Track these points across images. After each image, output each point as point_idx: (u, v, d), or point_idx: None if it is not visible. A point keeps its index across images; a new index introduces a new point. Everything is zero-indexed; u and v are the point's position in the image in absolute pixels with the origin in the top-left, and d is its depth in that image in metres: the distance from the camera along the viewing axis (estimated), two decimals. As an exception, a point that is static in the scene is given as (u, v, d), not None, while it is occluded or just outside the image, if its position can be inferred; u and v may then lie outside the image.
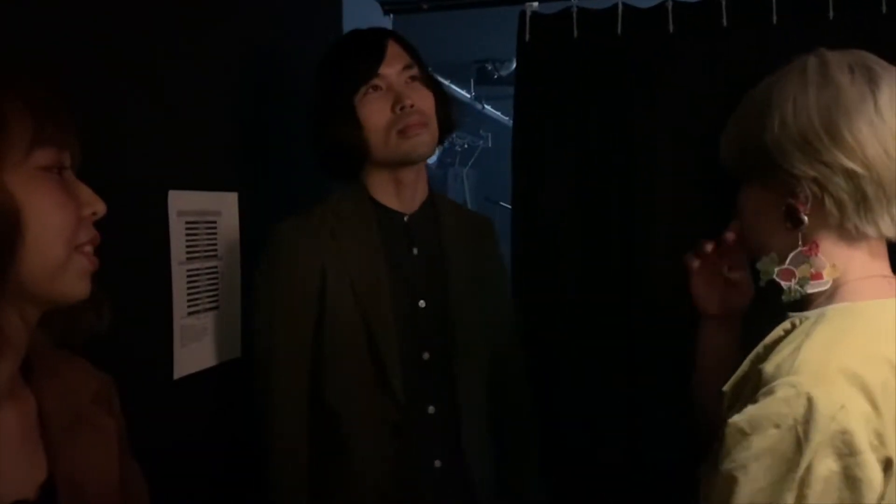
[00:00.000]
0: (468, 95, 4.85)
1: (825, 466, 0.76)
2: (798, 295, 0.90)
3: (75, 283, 0.76)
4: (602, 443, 1.89)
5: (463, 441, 1.42)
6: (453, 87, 4.50)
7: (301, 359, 1.37)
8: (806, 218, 0.88)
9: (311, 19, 1.78)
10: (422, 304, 1.42)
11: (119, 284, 0.91)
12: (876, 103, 0.85)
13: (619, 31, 1.84)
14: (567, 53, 1.89)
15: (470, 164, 5.50)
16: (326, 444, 1.38)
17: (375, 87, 1.37)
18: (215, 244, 1.49)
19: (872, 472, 0.76)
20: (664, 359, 1.73)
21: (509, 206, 2.07)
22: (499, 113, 5.40)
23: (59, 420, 0.80)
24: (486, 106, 5.20)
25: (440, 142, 1.46)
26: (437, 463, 1.41)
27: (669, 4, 1.81)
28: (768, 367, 0.83)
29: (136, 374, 1.12)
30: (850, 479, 0.75)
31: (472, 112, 5.13)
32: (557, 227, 1.91)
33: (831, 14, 1.69)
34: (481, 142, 5.60)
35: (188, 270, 1.41)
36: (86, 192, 0.78)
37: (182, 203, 1.39)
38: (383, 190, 1.42)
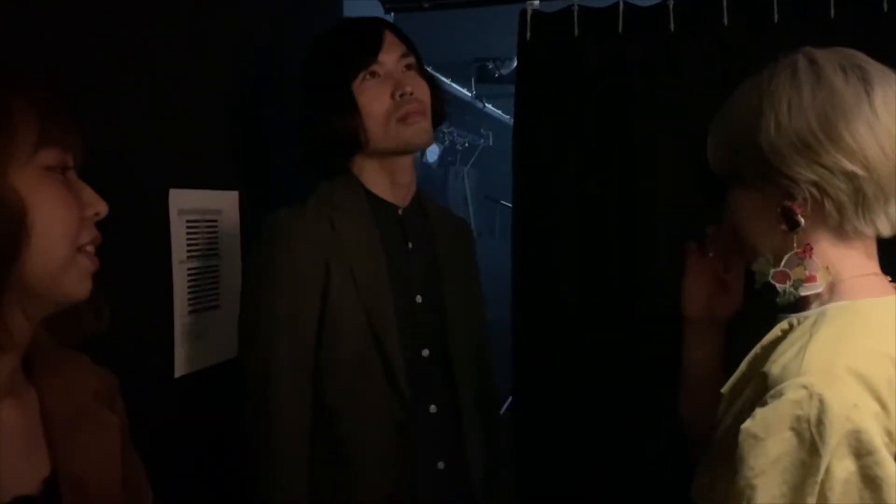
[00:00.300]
0: (469, 94, 4.85)
1: (843, 467, 0.75)
2: (792, 297, 0.90)
3: (77, 283, 0.77)
4: (602, 442, 1.89)
5: (465, 441, 1.40)
6: (454, 85, 4.50)
7: (305, 357, 1.31)
8: (803, 220, 0.87)
9: (312, 18, 1.78)
10: (419, 299, 1.39)
11: (120, 283, 0.91)
12: (871, 103, 0.85)
13: (619, 29, 1.84)
14: (568, 52, 1.89)
15: (471, 162, 5.50)
16: (326, 447, 1.32)
17: (374, 74, 1.35)
18: (216, 243, 1.49)
19: (890, 469, 0.75)
20: (664, 358, 1.73)
21: (510, 205, 2.07)
22: (499, 111, 5.39)
23: (61, 416, 0.80)
24: (486, 104, 5.20)
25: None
26: (441, 465, 1.38)
27: (671, 3, 1.81)
28: (774, 368, 0.82)
29: (137, 372, 1.12)
30: (869, 479, 0.75)
31: (472, 111, 5.13)
32: (558, 225, 1.92)
33: (832, 13, 1.70)
34: (482, 140, 5.60)
35: (189, 269, 1.42)
36: (88, 193, 0.79)
37: (183, 202, 1.39)
38: (377, 181, 1.38)
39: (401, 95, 1.33)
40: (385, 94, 1.34)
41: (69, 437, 0.80)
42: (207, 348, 1.46)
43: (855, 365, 0.78)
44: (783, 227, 0.88)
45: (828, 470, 0.75)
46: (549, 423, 1.94)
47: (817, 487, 0.75)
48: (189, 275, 1.41)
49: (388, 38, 1.37)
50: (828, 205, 0.86)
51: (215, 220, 1.49)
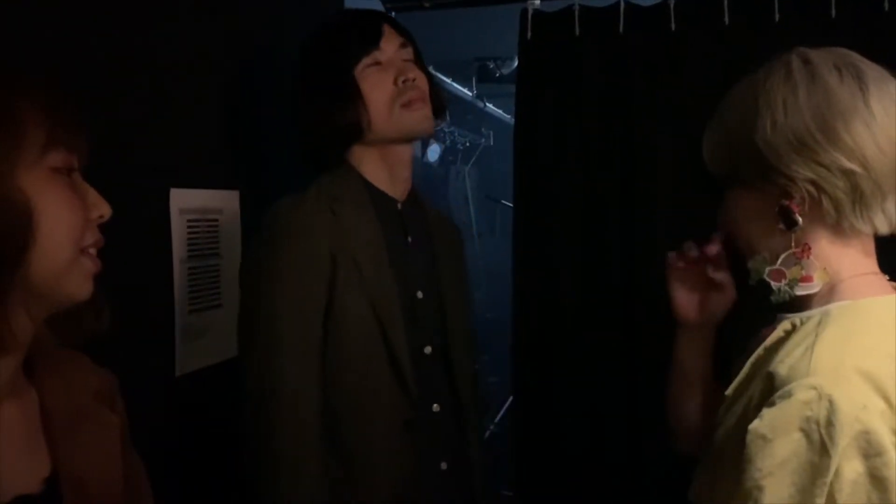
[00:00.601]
0: (470, 93, 4.84)
1: (851, 468, 0.75)
2: (787, 296, 0.90)
3: (80, 285, 0.77)
4: (602, 442, 1.89)
5: (467, 441, 1.40)
6: (455, 84, 4.50)
7: (314, 352, 1.25)
8: (801, 219, 0.87)
9: (313, 18, 1.78)
10: (420, 294, 1.36)
11: (121, 282, 0.91)
12: (867, 101, 0.85)
13: (620, 29, 1.85)
14: (569, 52, 1.89)
15: (471, 162, 5.50)
16: (327, 447, 1.27)
17: (376, 61, 1.34)
18: (217, 242, 1.49)
19: None
20: (664, 358, 1.73)
21: (511, 205, 2.07)
22: (500, 111, 5.39)
23: (61, 416, 0.81)
24: (487, 104, 5.20)
25: None
26: (443, 465, 1.35)
27: (671, 2, 1.81)
28: (781, 368, 0.82)
29: (138, 371, 1.12)
30: (878, 480, 0.75)
31: (473, 110, 5.12)
32: (558, 224, 1.92)
33: (833, 12, 1.69)
34: (483, 140, 5.60)
35: (190, 268, 1.42)
36: (93, 195, 0.79)
37: (184, 201, 1.40)
38: (377, 173, 1.36)
39: (403, 82, 1.32)
40: (387, 81, 1.33)
41: (69, 436, 0.80)
42: (208, 347, 1.46)
43: (862, 364, 0.78)
44: (781, 226, 0.88)
45: (837, 471, 0.75)
46: (549, 423, 1.94)
47: (826, 489, 0.75)
48: (190, 274, 1.42)
49: (387, 29, 1.37)
50: (825, 203, 0.86)
51: (216, 220, 1.49)
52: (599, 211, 1.89)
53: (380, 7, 2.13)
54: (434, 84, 1.43)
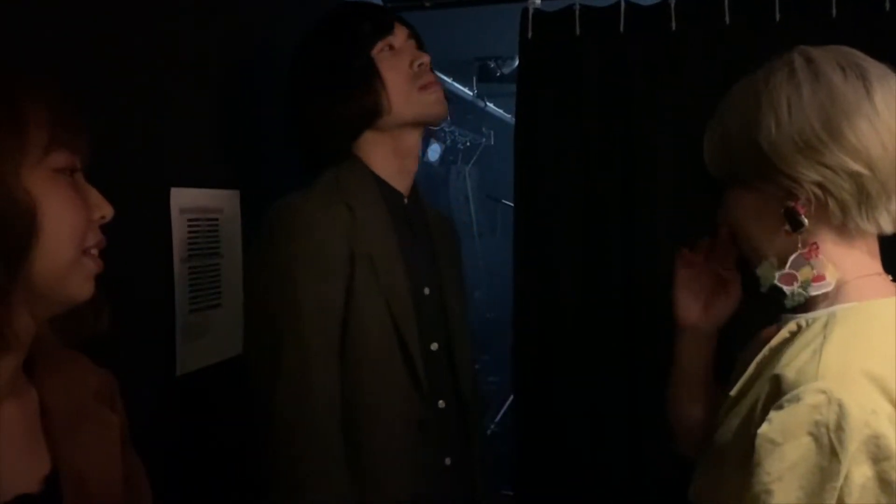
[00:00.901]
0: (470, 93, 4.84)
1: (861, 473, 0.75)
2: (802, 299, 0.89)
3: (81, 285, 0.78)
4: (602, 442, 1.89)
5: (470, 437, 1.40)
6: (455, 84, 4.50)
7: (335, 357, 1.22)
8: (806, 221, 0.86)
9: (313, 17, 1.78)
10: (426, 291, 1.36)
11: (121, 281, 0.91)
12: (871, 100, 0.84)
13: (621, 28, 1.84)
14: (569, 51, 1.89)
15: (472, 161, 5.50)
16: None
17: (390, 45, 1.34)
18: (217, 241, 1.49)
19: None
20: (664, 358, 1.73)
21: (511, 204, 2.07)
22: (501, 111, 5.38)
23: (61, 415, 0.81)
24: (488, 104, 5.19)
25: None
26: (448, 461, 1.36)
27: (672, 2, 1.80)
28: (788, 371, 0.81)
29: (138, 370, 1.12)
30: (886, 483, 0.75)
31: (474, 110, 5.12)
32: (559, 224, 1.92)
33: (834, 12, 1.69)
34: (483, 139, 5.59)
35: (190, 268, 1.42)
36: (95, 196, 0.80)
37: (184, 200, 1.40)
38: (386, 165, 1.35)
39: (419, 65, 1.34)
40: (404, 63, 1.33)
41: (69, 435, 0.80)
42: (209, 347, 1.46)
43: (870, 367, 0.78)
44: (786, 227, 0.88)
45: (846, 475, 0.75)
46: (549, 423, 1.94)
47: (836, 493, 0.75)
48: (190, 273, 1.42)
49: (396, 20, 1.38)
50: (831, 204, 0.85)
51: (216, 219, 1.49)
52: (600, 211, 1.89)
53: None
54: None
